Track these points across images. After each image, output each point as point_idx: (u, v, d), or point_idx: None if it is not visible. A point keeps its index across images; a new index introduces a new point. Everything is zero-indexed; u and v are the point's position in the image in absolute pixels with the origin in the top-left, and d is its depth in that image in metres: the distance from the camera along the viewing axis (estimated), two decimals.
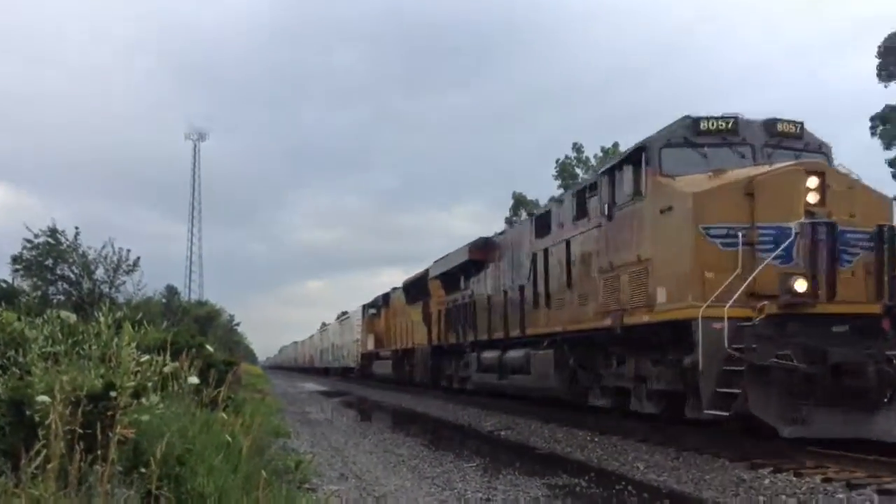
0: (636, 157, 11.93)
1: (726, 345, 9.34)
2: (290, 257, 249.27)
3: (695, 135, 11.50)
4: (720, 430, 10.74)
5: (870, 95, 73.90)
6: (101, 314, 7.05)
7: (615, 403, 13.37)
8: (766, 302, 9.56)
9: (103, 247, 21.23)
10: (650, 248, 11.31)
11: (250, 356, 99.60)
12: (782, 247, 9.85)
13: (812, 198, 10.03)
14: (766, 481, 8.26)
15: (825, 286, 9.77)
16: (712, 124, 11.51)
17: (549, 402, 16.68)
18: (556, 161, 47.90)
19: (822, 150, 11.87)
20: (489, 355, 19.88)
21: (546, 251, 15.87)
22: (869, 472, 7.89)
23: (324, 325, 75.47)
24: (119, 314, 7.56)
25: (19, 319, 7.59)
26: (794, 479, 8.18)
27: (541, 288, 16.10)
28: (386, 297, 37.44)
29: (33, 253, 21.32)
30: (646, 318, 11.28)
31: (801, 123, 11.84)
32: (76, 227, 21.79)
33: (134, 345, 6.17)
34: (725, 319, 9.36)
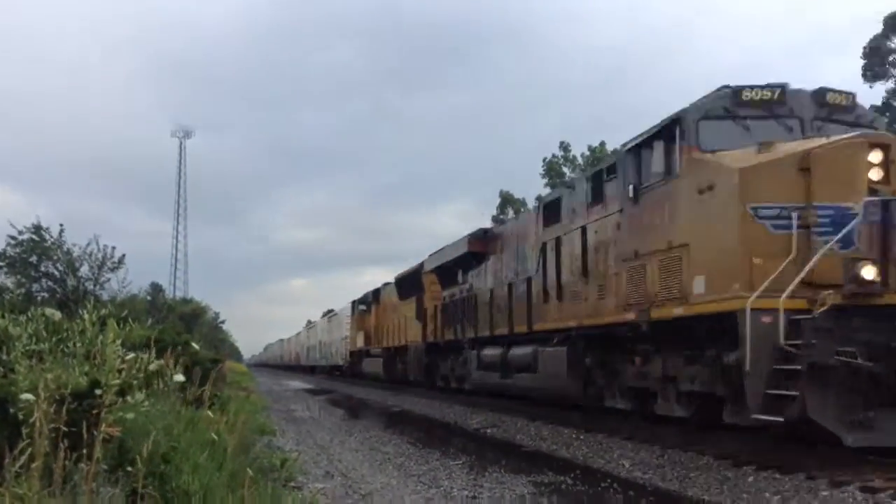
0: (668, 131, 10.76)
1: (781, 340, 8.36)
2: (275, 255, 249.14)
3: (736, 106, 10.34)
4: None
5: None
6: (85, 312, 7.01)
7: (636, 406, 12.47)
8: (829, 292, 8.45)
9: (88, 244, 21.04)
10: (686, 232, 10.14)
11: (235, 354, 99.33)
12: (846, 229, 8.69)
13: (875, 174, 8.91)
14: (751, 479, 8.31)
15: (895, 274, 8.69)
16: (756, 94, 10.36)
17: (557, 403, 15.79)
18: (544, 160, 48.04)
19: (873, 124, 10.72)
20: (491, 353, 18.71)
21: (558, 240, 14.69)
22: (854, 470, 7.93)
23: (310, 322, 75.32)
24: (104, 311, 7.51)
25: (3, 317, 7.52)
26: (778, 476, 8.22)
27: (551, 280, 14.93)
28: (376, 293, 36.69)
29: (17, 250, 21.12)
30: (679, 312, 10.18)
31: (854, 94, 10.77)
32: (61, 225, 21.57)
33: (119, 342, 6.13)
34: (781, 311, 8.36)
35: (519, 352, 16.61)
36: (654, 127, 11.25)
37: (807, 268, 8.56)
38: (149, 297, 39.53)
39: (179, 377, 7.63)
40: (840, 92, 10.69)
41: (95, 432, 4.21)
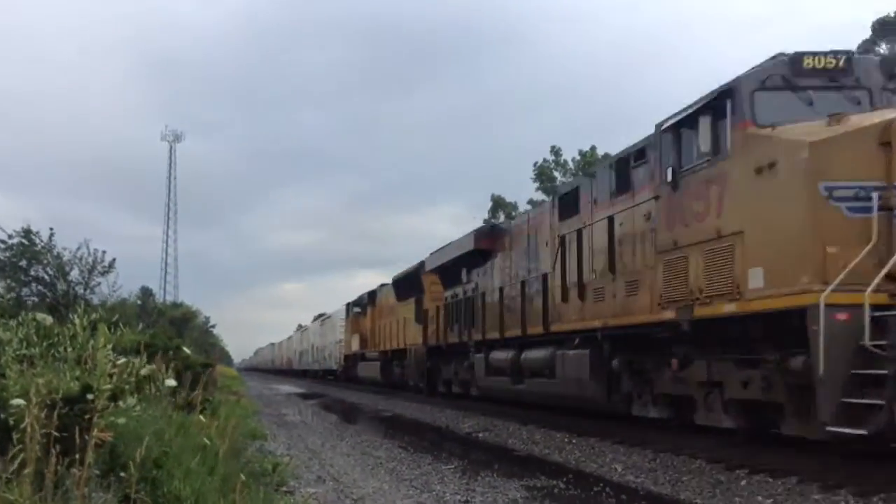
0: (717, 105, 9.67)
1: (867, 340, 7.35)
2: (266, 259, 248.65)
3: (796, 75, 9.28)
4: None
5: None
6: (76, 316, 6.97)
7: (672, 414, 11.56)
8: None
9: (78, 248, 20.97)
10: (739, 218, 9.04)
11: (225, 358, 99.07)
12: None
13: None
14: (743, 482, 8.33)
15: None
16: (819, 62, 9.31)
17: (577, 410, 14.70)
18: (535, 164, 48.13)
19: None
20: (500, 356, 17.44)
21: (579, 233, 13.58)
22: (845, 473, 7.95)
23: (301, 326, 75.13)
24: (94, 316, 7.47)
25: None
26: (770, 479, 8.24)
27: (571, 276, 13.82)
28: (372, 295, 35.88)
29: (7, 254, 21.02)
30: (730, 309, 9.14)
31: None
32: (51, 228, 21.50)
33: (110, 347, 6.10)
34: (867, 307, 7.37)
35: (533, 355, 15.50)
36: (698, 101, 10.10)
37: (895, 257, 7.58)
38: (139, 302, 39.45)
39: (171, 382, 7.62)
40: None
41: (87, 437, 4.18)
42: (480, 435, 14.43)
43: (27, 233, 20.98)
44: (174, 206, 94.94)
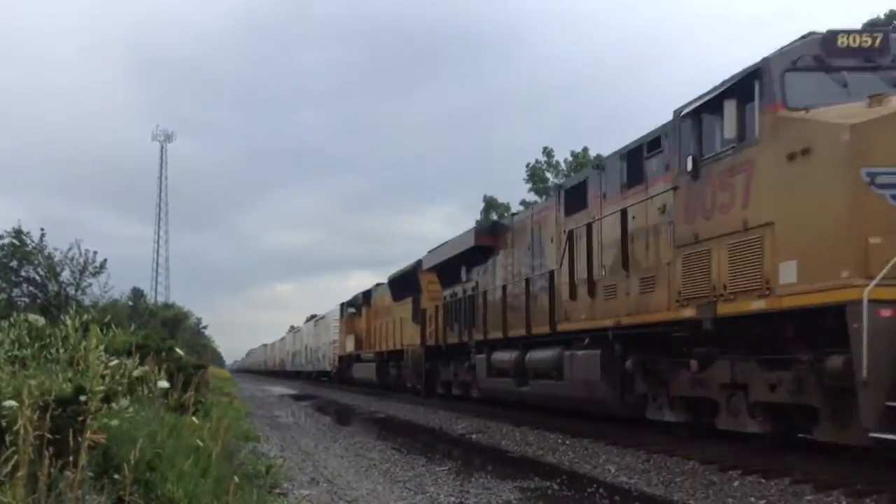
0: (743, 87, 9.09)
1: None
2: (259, 260, 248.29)
3: (830, 55, 8.70)
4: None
5: None
6: (68, 317, 6.95)
7: (691, 418, 10.90)
8: None
9: (69, 249, 20.97)
10: (769, 208, 8.47)
11: (217, 359, 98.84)
12: None
13: None
14: (736, 483, 8.34)
15: None
16: (854, 40, 8.74)
17: (586, 414, 14.06)
18: (527, 165, 48.19)
19: None
20: (503, 357, 16.78)
21: (588, 227, 12.96)
22: (838, 473, 7.98)
23: (293, 327, 74.99)
24: (86, 317, 7.45)
25: None
26: (763, 480, 8.26)
27: (580, 273, 13.19)
28: (367, 295, 35.21)
29: None
30: (758, 306, 8.58)
31: None
32: (42, 229, 21.50)
33: (102, 348, 6.08)
34: None
35: (539, 355, 14.86)
36: (722, 84, 9.50)
37: None
38: (130, 303, 39.35)
39: (164, 384, 7.60)
40: None
41: (80, 439, 4.16)
42: (474, 436, 14.42)
43: (18, 233, 20.94)
44: (165, 207, 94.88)
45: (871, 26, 38.60)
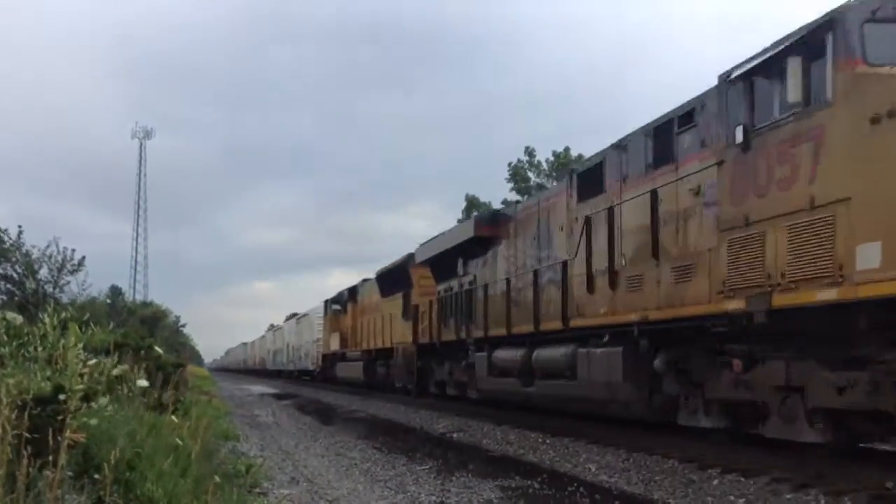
0: (811, 43, 7.94)
1: None
2: (237, 258, 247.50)
3: None
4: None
5: None
6: (46, 315, 6.88)
7: (731, 424, 9.88)
8: None
9: (47, 246, 20.80)
10: (845, 182, 7.36)
11: (196, 358, 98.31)
12: None
13: None
14: (716, 482, 8.39)
15: None
16: None
17: (605, 417, 12.89)
18: (509, 165, 48.30)
19: None
20: (507, 355, 15.73)
21: (609, 212, 11.81)
22: (817, 472, 8.04)
23: (272, 326, 74.63)
24: (64, 315, 7.38)
25: None
26: (743, 479, 8.32)
27: (599, 263, 12.10)
28: (353, 291, 34.28)
29: None
30: (827, 296, 7.47)
31: None
32: (19, 226, 21.28)
33: (81, 346, 6.02)
34: None
35: (549, 354, 13.81)
36: (783, 41, 8.34)
37: None
38: (108, 301, 39.04)
39: (143, 382, 7.56)
40: None
41: (60, 438, 4.12)
42: (455, 435, 14.42)
43: None
44: (144, 204, 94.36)
45: None
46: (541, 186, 41.80)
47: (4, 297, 19.93)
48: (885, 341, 7.31)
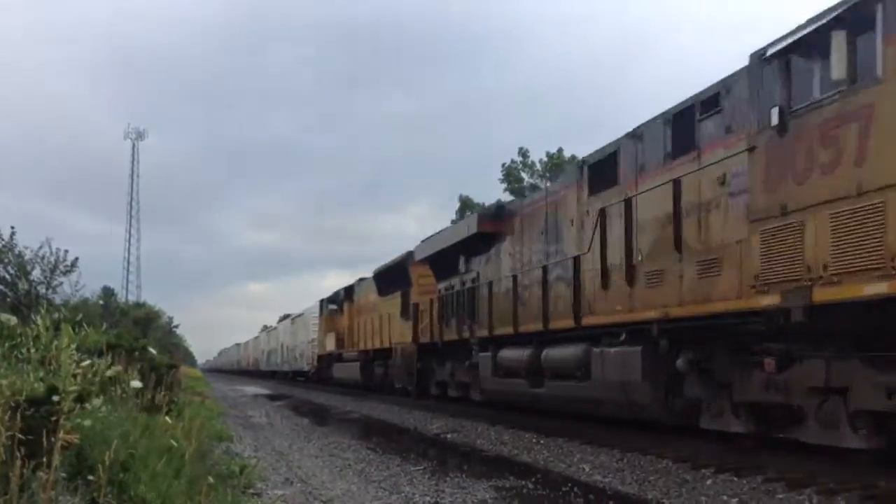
0: (859, 14, 7.35)
1: None
2: (231, 259, 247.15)
3: None
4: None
5: None
6: (39, 316, 6.87)
7: (761, 428, 9.27)
8: None
9: (40, 247, 20.72)
10: None
11: (189, 359, 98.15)
12: None
13: None
14: (709, 482, 8.41)
15: None
16: None
17: (619, 420, 12.29)
18: (503, 165, 48.41)
19: None
20: (513, 355, 15.19)
21: (627, 204, 11.23)
22: (810, 472, 8.07)
23: (266, 327, 74.47)
24: (57, 316, 7.37)
25: None
26: (736, 479, 8.34)
27: (614, 258, 11.51)
28: (349, 291, 33.61)
29: None
30: (877, 290, 6.95)
31: None
32: (12, 227, 21.20)
33: (74, 347, 6.01)
34: None
35: (559, 353, 13.28)
36: (825, 14, 7.76)
37: None
38: (101, 302, 38.93)
39: (137, 383, 7.55)
40: None
41: (53, 440, 4.12)
42: (449, 436, 14.42)
43: None
44: (137, 205, 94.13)
45: None
46: (534, 187, 41.84)
47: None
48: None
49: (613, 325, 11.55)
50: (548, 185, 14.83)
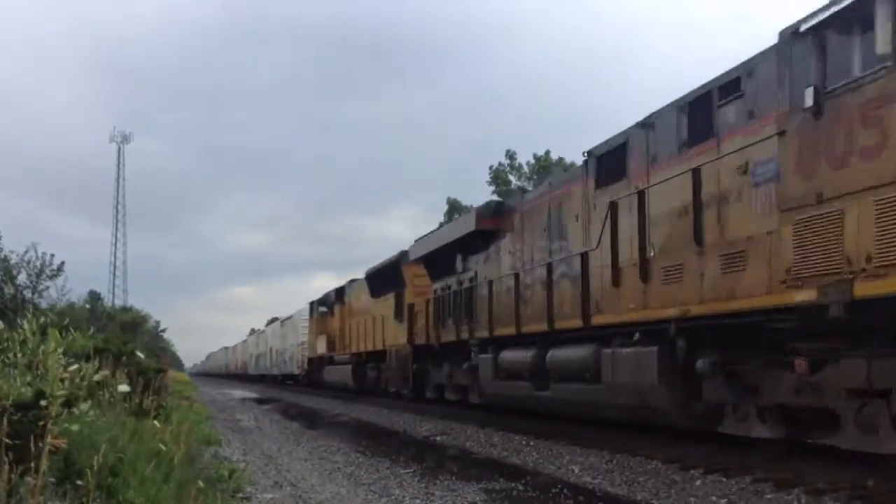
0: None
1: None
2: (218, 262, 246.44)
3: None
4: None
5: None
6: (25, 321, 6.82)
7: (791, 433, 8.76)
8: None
9: (26, 251, 20.57)
10: None
11: (176, 363, 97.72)
12: None
13: None
14: (698, 482, 8.44)
15: None
16: None
17: (631, 423, 11.84)
18: (490, 168, 48.46)
19: None
20: (516, 357, 14.60)
21: (640, 196, 10.58)
22: (798, 472, 8.11)
23: (253, 330, 74.20)
24: (44, 320, 7.32)
25: None
26: (725, 479, 8.37)
27: (627, 253, 10.90)
28: (340, 292, 32.95)
29: None
30: None
31: None
32: None
33: (61, 351, 5.97)
34: None
35: (566, 354, 12.65)
36: None
37: None
38: (88, 306, 38.71)
39: (124, 387, 7.50)
40: None
41: (41, 444, 4.08)
42: (438, 438, 14.42)
43: None
44: (123, 209, 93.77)
45: None
46: (522, 189, 41.91)
47: None
48: None
49: (625, 325, 10.95)
50: (550, 180, 13.93)
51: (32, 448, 4.07)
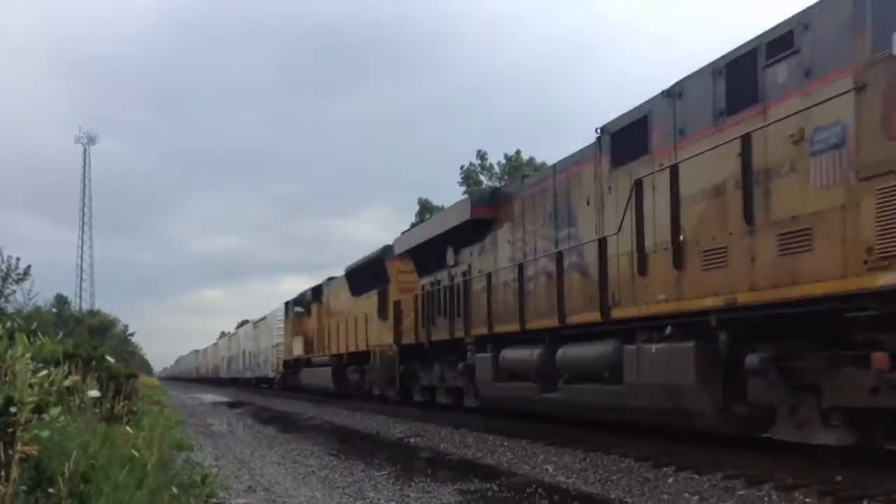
0: None
1: None
2: (186, 265, 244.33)
3: None
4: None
5: None
6: None
7: (862, 439, 7.65)
8: None
9: None
10: None
11: (145, 367, 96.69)
12: None
13: None
14: (671, 480, 8.52)
15: None
16: None
17: (659, 429, 10.76)
18: (461, 168, 48.50)
19: None
20: (519, 356, 13.36)
21: (673, 171, 9.31)
22: (768, 468, 8.20)
23: (223, 333, 73.61)
24: (10, 324, 7.20)
25: None
26: (697, 476, 8.46)
27: (657, 236, 9.66)
28: (317, 291, 31.82)
29: None
30: None
31: None
32: None
33: (29, 356, 5.88)
34: None
35: (582, 352, 11.39)
36: None
37: None
38: (55, 310, 38.20)
39: (94, 393, 7.42)
40: None
41: (11, 452, 4.02)
42: (412, 440, 14.40)
43: None
44: (89, 211, 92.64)
45: None
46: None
47: None
48: None
49: (654, 318, 9.72)
50: (555, 162, 13.02)
51: (2, 455, 4.01)
